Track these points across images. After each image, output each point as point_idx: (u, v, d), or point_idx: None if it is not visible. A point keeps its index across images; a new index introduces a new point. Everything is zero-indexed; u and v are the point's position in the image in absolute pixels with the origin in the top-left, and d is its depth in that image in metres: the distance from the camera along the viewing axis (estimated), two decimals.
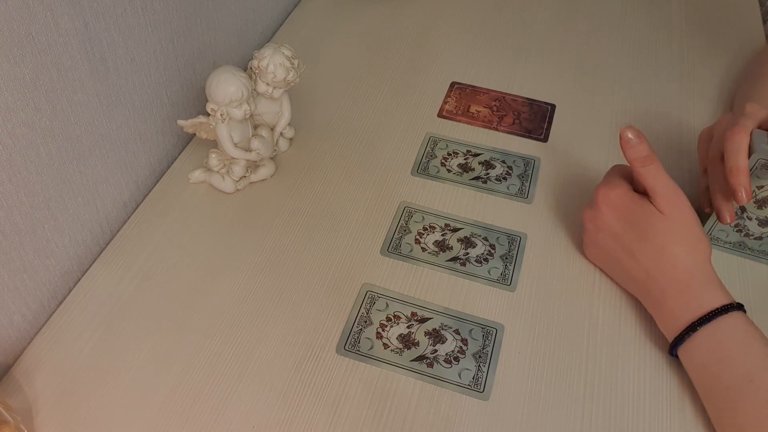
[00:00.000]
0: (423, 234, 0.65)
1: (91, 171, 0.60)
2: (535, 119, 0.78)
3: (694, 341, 0.52)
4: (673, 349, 0.54)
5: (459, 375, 0.55)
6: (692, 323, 0.52)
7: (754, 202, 0.60)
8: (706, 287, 0.53)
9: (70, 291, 0.60)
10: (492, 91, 0.81)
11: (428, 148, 0.74)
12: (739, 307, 0.52)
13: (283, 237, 0.65)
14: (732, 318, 0.52)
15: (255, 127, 0.67)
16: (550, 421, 0.53)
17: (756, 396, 0.48)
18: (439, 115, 0.78)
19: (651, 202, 0.56)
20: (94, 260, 0.62)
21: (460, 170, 0.71)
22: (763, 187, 0.58)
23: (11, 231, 0.53)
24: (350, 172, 0.71)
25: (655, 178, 0.56)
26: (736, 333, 0.51)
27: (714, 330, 0.52)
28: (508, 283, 0.61)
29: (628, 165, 0.58)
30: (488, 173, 0.71)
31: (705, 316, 0.52)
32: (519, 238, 0.65)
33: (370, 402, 0.53)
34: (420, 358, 0.56)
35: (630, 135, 0.57)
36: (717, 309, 0.52)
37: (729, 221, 0.59)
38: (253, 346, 0.56)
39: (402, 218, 0.66)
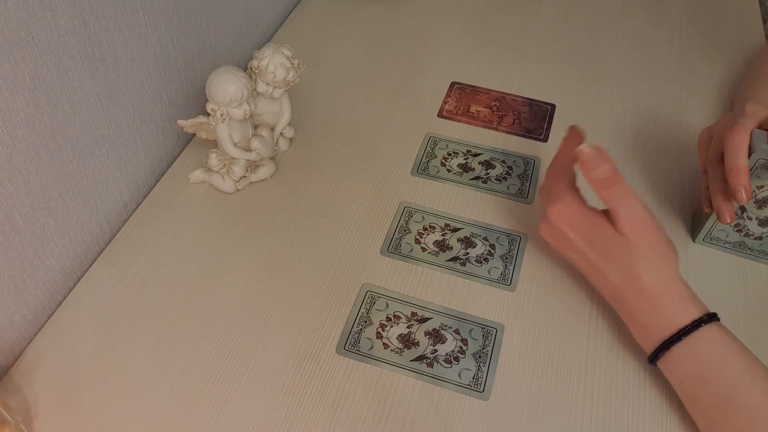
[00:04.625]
0: (423, 234, 0.65)
1: (91, 171, 0.60)
2: (535, 119, 0.78)
3: (669, 358, 0.51)
4: (651, 361, 0.53)
5: (459, 375, 0.55)
6: (665, 341, 0.51)
7: (754, 202, 0.60)
8: (677, 303, 0.51)
9: (70, 291, 0.60)
10: (492, 91, 0.81)
11: (428, 148, 0.74)
12: (711, 317, 0.50)
13: (283, 237, 0.65)
14: (706, 333, 0.50)
15: (255, 127, 0.67)
16: (550, 421, 0.53)
17: (737, 416, 0.47)
18: (439, 115, 0.78)
19: (610, 223, 0.53)
20: (94, 260, 0.62)
21: (460, 170, 0.71)
22: (763, 187, 0.58)
23: (11, 231, 0.53)
24: (350, 172, 0.71)
25: (619, 202, 0.52)
26: (710, 350, 0.50)
27: (688, 348, 0.50)
28: (508, 283, 0.61)
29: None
30: (488, 173, 0.71)
31: (676, 334, 0.50)
32: (519, 238, 0.65)
33: (370, 402, 0.53)
34: (420, 358, 0.56)
35: (591, 153, 0.49)
36: (687, 326, 0.50)
37: (729, 221, 0.59)
38: (253, 346, 0.56)
39: (402, 218, 0.66)
